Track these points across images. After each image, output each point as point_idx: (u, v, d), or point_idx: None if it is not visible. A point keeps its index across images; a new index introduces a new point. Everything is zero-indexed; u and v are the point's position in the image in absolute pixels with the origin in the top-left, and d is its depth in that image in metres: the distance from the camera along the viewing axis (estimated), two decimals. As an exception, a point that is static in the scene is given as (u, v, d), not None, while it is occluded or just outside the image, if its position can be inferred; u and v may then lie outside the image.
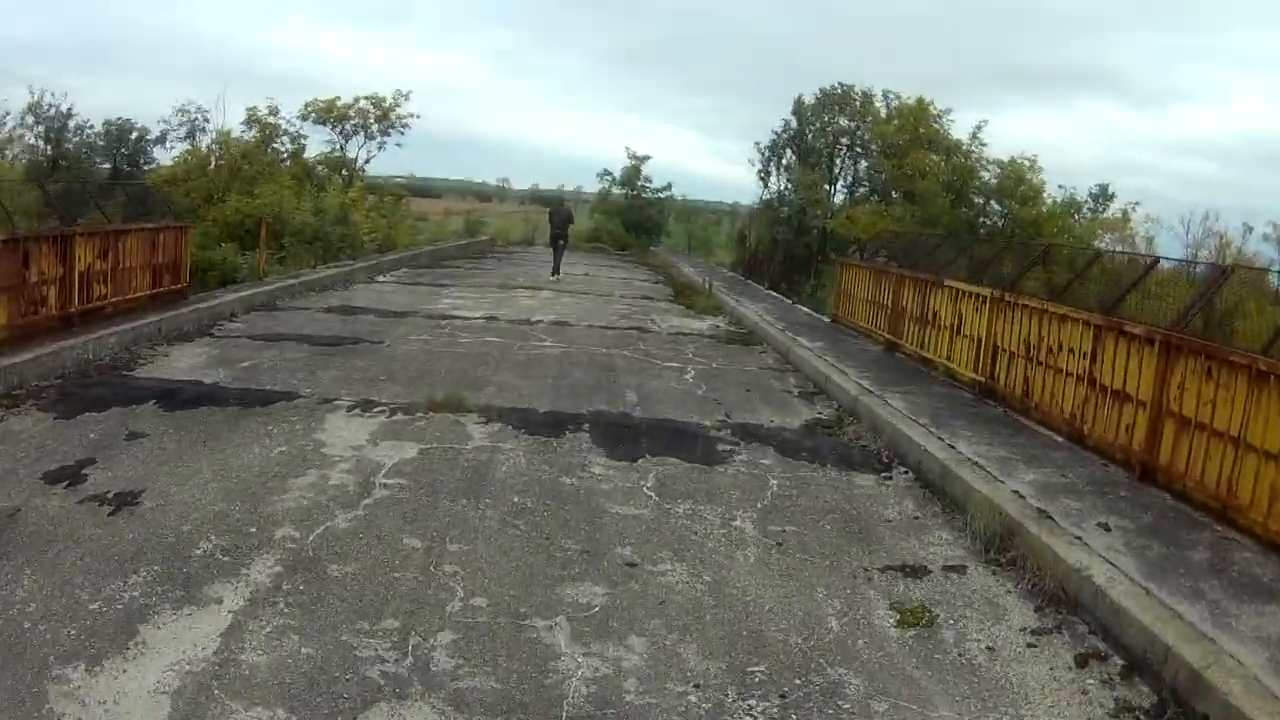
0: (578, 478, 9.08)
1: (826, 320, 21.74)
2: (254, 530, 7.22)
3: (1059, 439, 11.08)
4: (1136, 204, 40.09)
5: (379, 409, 11.09)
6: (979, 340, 13.76)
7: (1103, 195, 42.35)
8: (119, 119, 54.80)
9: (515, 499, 8.33)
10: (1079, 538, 7.62)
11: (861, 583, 7.19)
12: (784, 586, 6.99)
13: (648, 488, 8.93)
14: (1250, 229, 36.97)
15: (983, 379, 13.46)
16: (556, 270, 30.67)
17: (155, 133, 48.56)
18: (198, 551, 6.77)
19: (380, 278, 26.38)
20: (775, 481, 9.47)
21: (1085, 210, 40.71)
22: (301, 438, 9.75)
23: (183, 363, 13.05)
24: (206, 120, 38.87)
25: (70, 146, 53.53)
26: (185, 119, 39.82)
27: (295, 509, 7.71)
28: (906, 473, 10.25)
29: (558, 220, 32.13)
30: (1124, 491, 9.08)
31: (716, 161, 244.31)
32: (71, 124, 53.82)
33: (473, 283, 26.92)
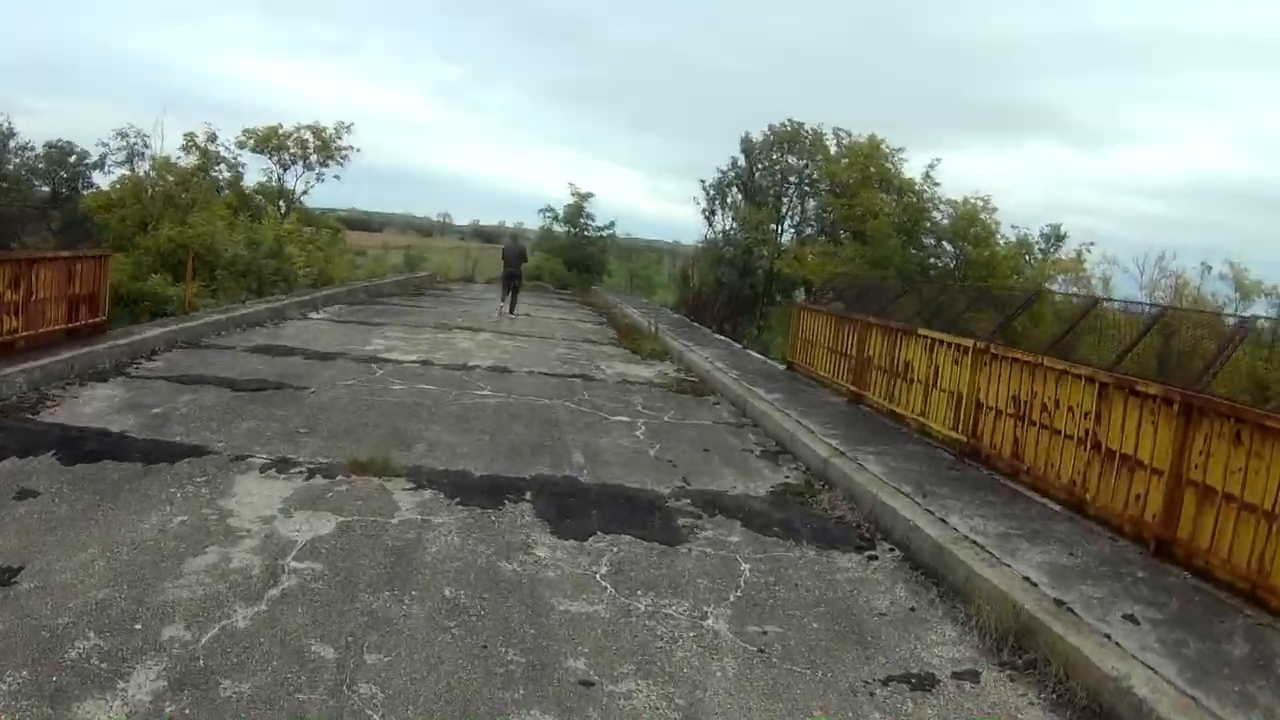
0: (520, 562, 7.74)
1: (781, 367, 20.60)
2: (139, 627, 5.93)
3: (1056, 508, 10.05)
4: (1091, 244, 39.18)
5: (297, 469, 9.75)
6: (959, 396, 12.75)
7: (1054, 236, 41.34)
8: (60, 141, 53.66)
9: (447, 591, 6.98)
10: (1107, 635, 6.59)
11: (863, 700, 5.98)
12: (772, 709, 5.74)
13: (601, 575, 7.61)
14: (1209, 268, 36.11)
15: (964, 438, 12.42)
16: (513, 309, 30.36)
17: (95, 156, 47.32)
18: (73, 653, 5.53)
19: (313, 314, 24.94)
20: (747, 566, 8.21)
21: (1037, 251, 39.89)
22: (207, 504, 8.41)
23: (91, 407, 11.72)
24: (146, 145, 37.64)
25: (10, 168, 52.07)
26: (124, 143, 38.60)
27: (189, 600, 6.38)
28: (893, 550, 9.08)
29: (511, 257, 31.40)
30: (1141, 571, 8.09)
31: (658, 200, 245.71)
32: (12, 144, 52.46)
33: (409, 322, 25.47)
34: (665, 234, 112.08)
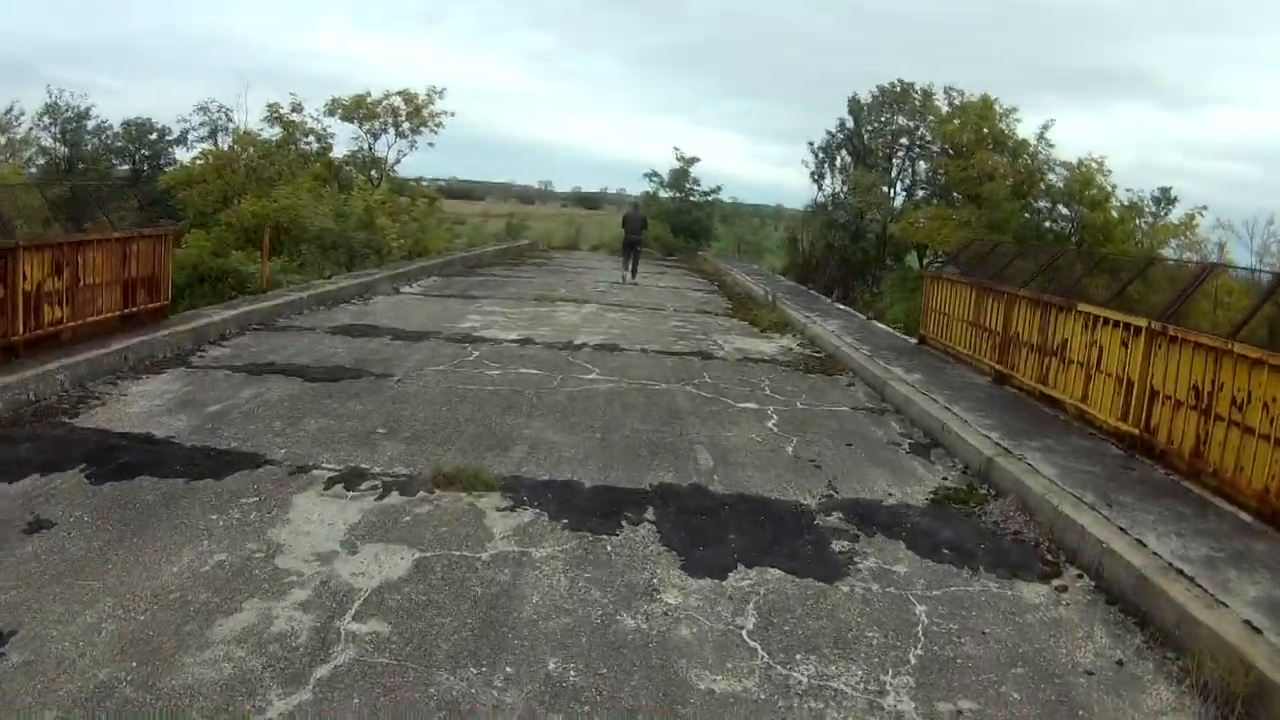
0: (645, 614, 6.24)
1: (912, 342, 18.93)
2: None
3: (1247, 518, 8.55)
4: (1204, 208, 36.85)
5: (368, 484, 8.36)
6: (1128, 382, 11.12)
7: (1164, 199, 39.13)
8: (138, 118, 53.00)
9: (552, 664, 5.48)
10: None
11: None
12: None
13: (748, 631, 6.09)
14: (1325, 233, 33.89)
15: (1134, 430, 10.80)
16: (634, 274, 30.66)
17: (176, 132, 46.70)
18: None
19: (405, 287, 23.71)
20: (923, 609, 6.68)
21: (1148, 215, 37.70)
22: (254, 535, 7.04)
23: (139, 405, 10.45)
24: (229, 118, 36.75)
25: (88, 147, 51.58)
26: (206, 117, 37.74)
27: (213, 683, 4.97)
28: (1081, 576, 7.58)
29: (632, 225, 31.56)
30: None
31: (760, 164, 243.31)
32: (90, 124, 51.97)
33: (508, 294, 24.18)
34: (769, 198, 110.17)
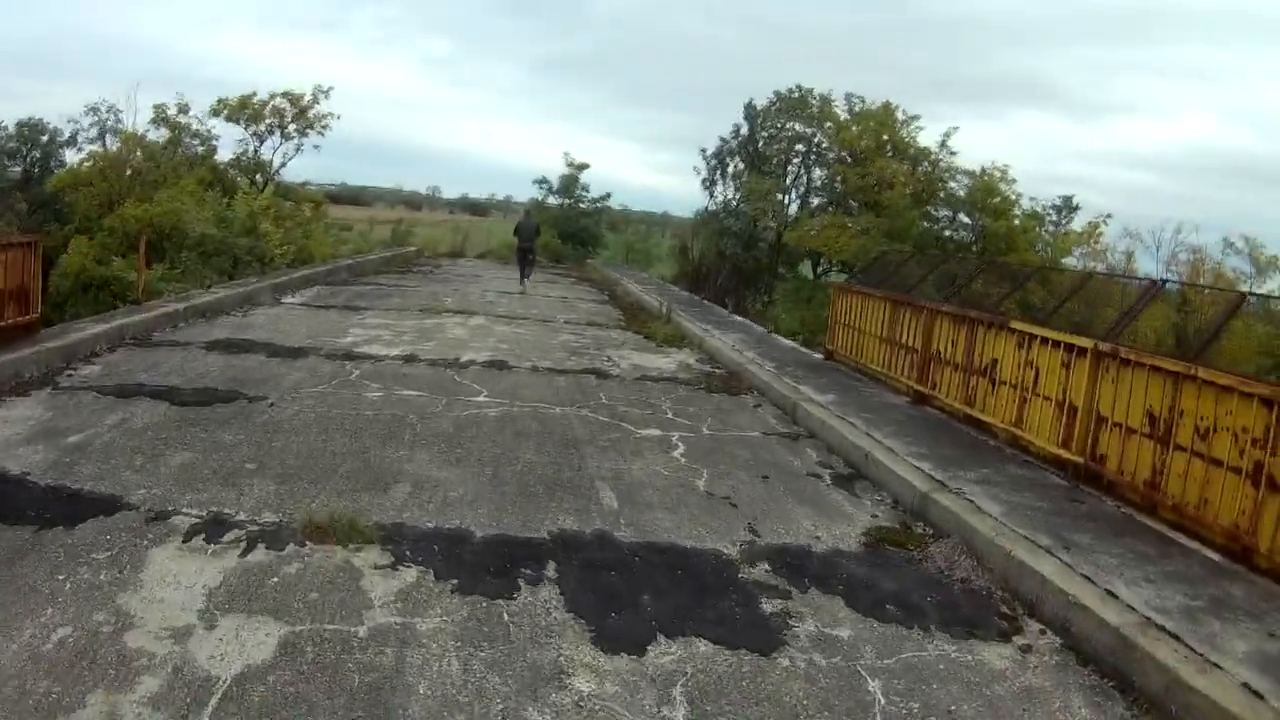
0: (553, 707, 5.07)
1: (818, 357, 17.98)
2: None
3: (1215, 557, 7.87)
4: (1108, 216, 36.14)
5: (232, 535, 7.07)
6: (1069, 406, 10.30)
7: (1067, 207, 38.65)
8: (30, 119, 50.70)
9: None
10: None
11: None
12: None
13: (679, 729, 4.98)
14: (1231, 244, 33.62)
15: (1078, 458, 10.00)
16: (521, 280, 30.99)
17: (66, 133, 44.70)
18: None
19: (288, 298, 22.14)
20: (876, 684, 5.66)
21: (1050, 224, 37.31)
22: (102, 604, 5.77)
23: (-4, 434, 9.08)
24: (119, 120, 34.96)
25: (-20, 151, 49.36)
26: (95, 119, 35.88)
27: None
28: (1044, 632, 6.74)
29: (526, 233, 31.91)
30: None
31: (650, 172, 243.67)
32: (-18, 126, 49.64)
33: (393, 305, 22.67)
34: (658, 206, 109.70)
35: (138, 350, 13.92)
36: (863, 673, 5.76)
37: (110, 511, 7.32)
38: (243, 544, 6.91)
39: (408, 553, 6.95)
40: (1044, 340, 10.81)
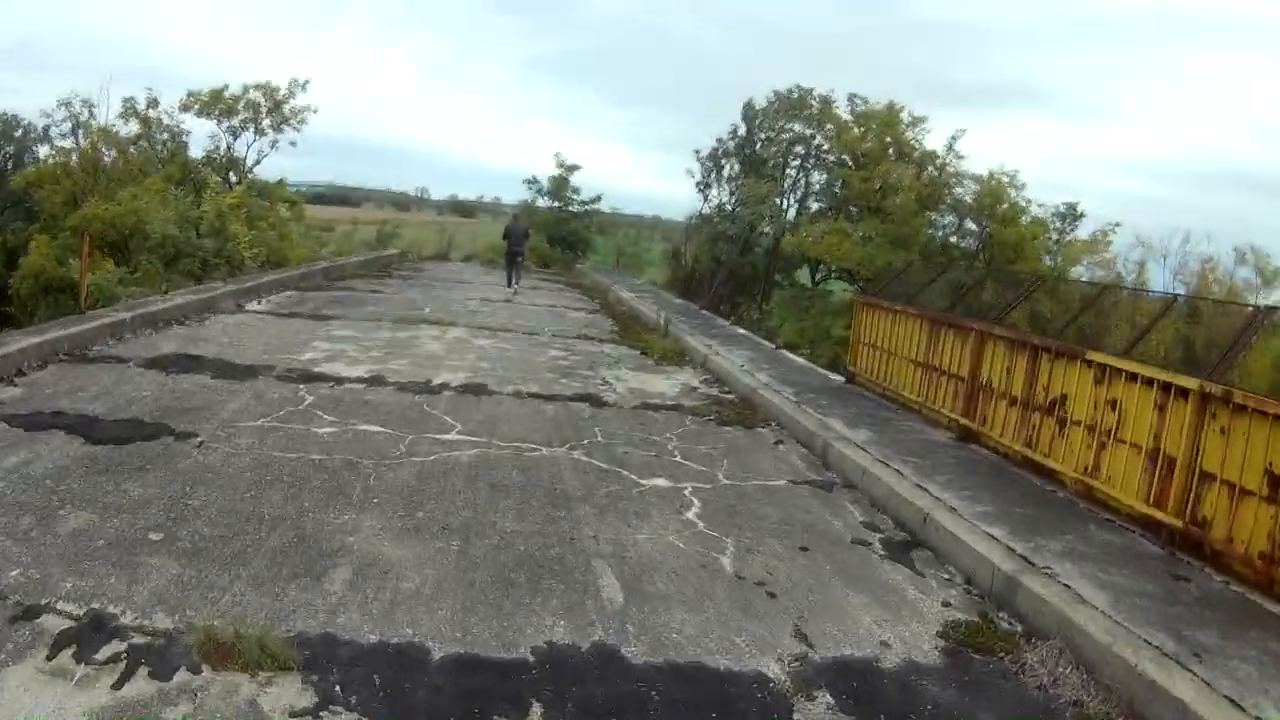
0: None
1: (837, 379, 16.07)
2: None
3: None
4: (1116, 225, 34.16)
5: (111, 646, 5.22)
6: (1164, 457, 8.50)
7: (1071, 215, 36.61)
8: (4, 114, 48.89)
9: None
10: None
11: None
12: None
13: None
14: (1242, 255, 31.94)
15: (1175, 521, 8.22)
16: (509, 284, 29.93)
17: (40, 128, 43.05)
18: None
19: (253, 304, 20.09)
20: None
21: (1054, 232, 35.43)
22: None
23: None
24: (92, 114, 33.11)
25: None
26: (68, 113, 33.94)
27: None
28: None
29: (515, 236, 30.94)
30: None
31: (640, 175, 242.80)
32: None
33: (366, 314, 20.53)
34: (650, 209, 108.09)
35: (70, 368, 12.01)
36: None
37: (-32, 601, 5.42)
38: (121, 666, 5.02)
39: (337, 688, 5.00)
40: (1131, 376, 8.96)
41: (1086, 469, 9.52)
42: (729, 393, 14.84)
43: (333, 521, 7.42)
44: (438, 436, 10.31)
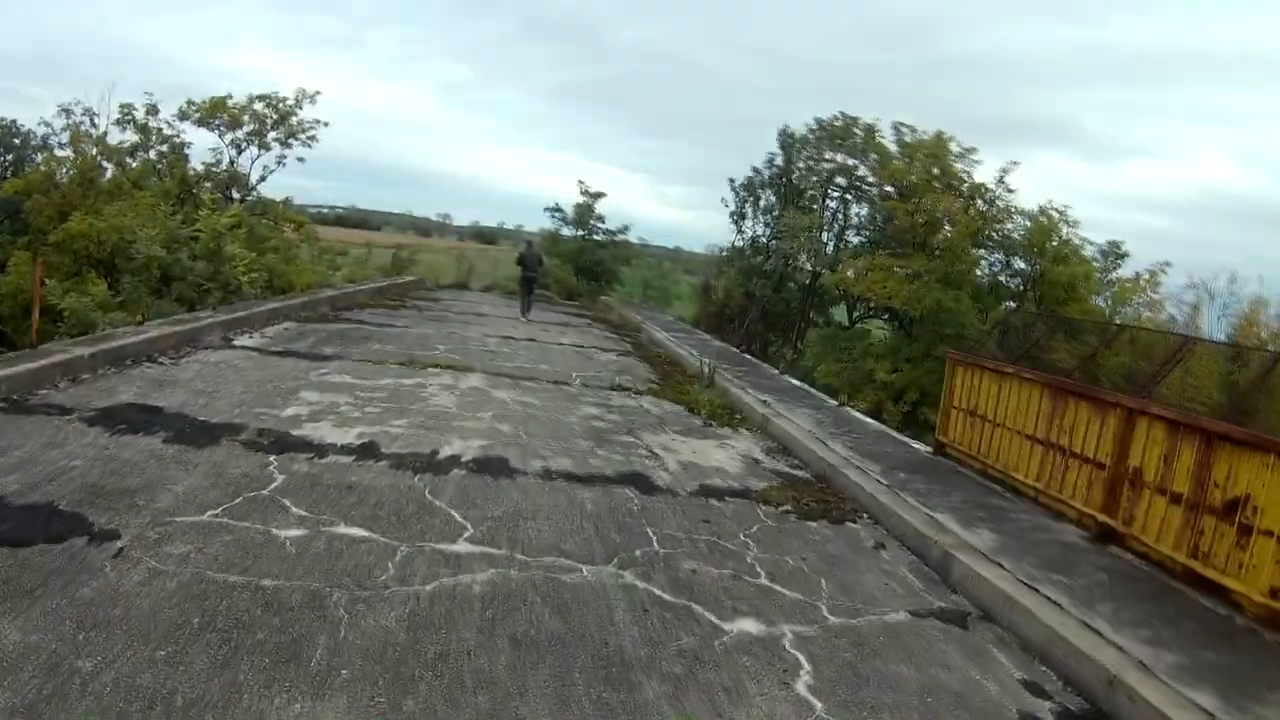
0: None
1: (923, 449, 13.60)
2: None
3: None
4: (1167, 264, 31.70)
5: None
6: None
7: (1114, 253, 34.21)
8: (4, 121, 47.43)
9: None
10: None
11: None
12: None
13: None
14: (1295, 295, 29.53)
15: None
16: (524, 313, 29.67)
17: (39, 135, 42.51)
18: None
19: (243, 337, 17.51)
20: None
21: (1096, 271, 33.37)
22: None
23: None
24: (93, 122, 31.20)
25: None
26: (68, 121, 31.97)
27: None
28: None
29: (529, 262, 30.32)
30: None
31: (660, 205, 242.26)
32: (-40, 131, 46.75)
33: (369, 352, 17.86)
34: (669, 240, 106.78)
35: (2, 419, 9.59)
36: None
37: None
38: None
39: None
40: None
41: (1275, 591, 7.15)
42: (800, 468, 12.35)
43: (271, 713, 4.90)
44: (440, 548, 7.69)
